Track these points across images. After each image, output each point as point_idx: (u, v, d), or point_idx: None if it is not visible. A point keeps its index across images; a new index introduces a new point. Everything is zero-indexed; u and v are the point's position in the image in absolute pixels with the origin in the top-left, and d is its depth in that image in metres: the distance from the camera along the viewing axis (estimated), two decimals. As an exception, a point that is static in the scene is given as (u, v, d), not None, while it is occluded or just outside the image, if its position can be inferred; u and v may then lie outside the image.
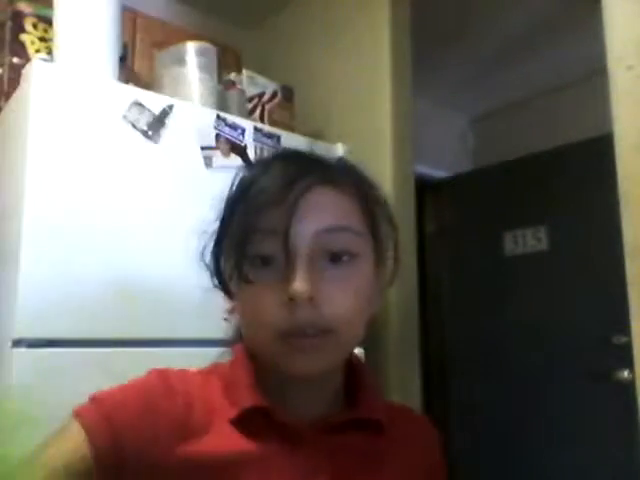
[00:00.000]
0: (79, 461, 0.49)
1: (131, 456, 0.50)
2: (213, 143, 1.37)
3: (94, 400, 0.55)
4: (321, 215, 0.53)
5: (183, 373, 0.59)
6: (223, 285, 0.58)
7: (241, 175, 0.58)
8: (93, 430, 0.50)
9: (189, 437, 0.53)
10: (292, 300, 0.50)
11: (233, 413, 0.54)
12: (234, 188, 0.58)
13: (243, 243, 0.53)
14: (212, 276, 0.59)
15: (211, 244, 0.59)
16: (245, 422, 0.54)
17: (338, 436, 0.56)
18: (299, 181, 0.52)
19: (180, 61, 1.48)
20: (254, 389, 0.55)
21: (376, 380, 0.64)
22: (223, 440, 0.53)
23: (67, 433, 0.51)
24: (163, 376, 0.57)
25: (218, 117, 1.39)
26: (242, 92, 1.62)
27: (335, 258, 0.53)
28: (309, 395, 0.57)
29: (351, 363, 0.61)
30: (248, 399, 0.55)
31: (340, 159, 0.61)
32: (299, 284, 0.50)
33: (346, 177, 0.56)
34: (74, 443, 0.50)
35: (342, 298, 0.52)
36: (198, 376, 0.59)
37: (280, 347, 0.52)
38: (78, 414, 0.52)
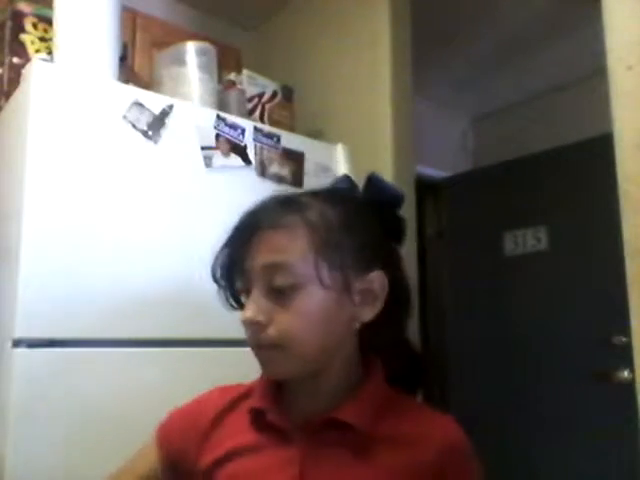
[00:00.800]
0: (151, 462, 0.73)
1: (176, 458, 0.71)
2: (213, 143, 1.36)
3: (169, 414, 0.76)
4: (263, 254, 0.64)
5: (231, 389, 0.75)
6: (237, 306, 0.71)
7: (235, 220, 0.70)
8: (158, 439, 0.74)
9: (212, 442, 0.69)
10: (244, 323, 0.64)
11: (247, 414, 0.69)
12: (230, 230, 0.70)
13: (231, 279, 0.69)
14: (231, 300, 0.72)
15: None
16: (255, 420, 0.68)
17: (323, 433, 0.64)
18: (254, 227, 0.65)
19: (180, 61, 1.48)
20: (261, 393, 0.69)
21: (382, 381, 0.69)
22: (236, 433, 0.68)
23: (150, 440, 0.75)
24: (212, 396, 0.76)
25: (218, 117, 1.39)
26: (242, 92, 1.62)
27: (277, 289, 0.63)
28: (302, 396, 0.68)
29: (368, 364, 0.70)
30: (254, 402, 0.69)
31: (317, 200, 0.68)
32: (245, 312, 0.64)
33: (300, 217, 0.64)
34: (149, 447, 0.74)
35: (287, 321, 0.62)
36: (245, 386, 0.74)
37: (256, 357, 0.66)
38: (158, 427, 0.75)
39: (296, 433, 0.65)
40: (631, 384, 0.95)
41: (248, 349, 0.66)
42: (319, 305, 0.63)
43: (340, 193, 0.72)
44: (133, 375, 1.16)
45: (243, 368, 1.20)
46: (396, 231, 0.73)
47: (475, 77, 2.77)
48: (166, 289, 1.24)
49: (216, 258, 0.69)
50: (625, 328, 0.93)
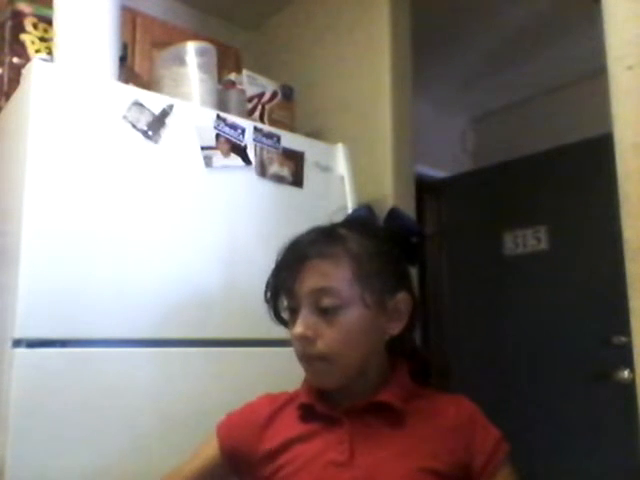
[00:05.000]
0: (214, 456, 0.85)
1: (236, 448, 0.84)
2: (213, 143, 1.36)
3: (226, 416, 0.88)
4: (312, 279, 0.76)
5: (278, 395, 0.87)
6: (282, 322, 0.82)
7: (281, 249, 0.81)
8: (219, 436, 0.86)
9: (268, 434, 0.81)
10: (295, 337, 0.76)
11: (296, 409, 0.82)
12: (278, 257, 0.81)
13: (277, 300, 0.81)
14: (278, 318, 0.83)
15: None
16: (303, 414, 0.81)
17: (364, 415, 0.77)
18: (301, 257, 0.77)
19: (180, 61, 1.47)
20: (308, 391, 0.82)
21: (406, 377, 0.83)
22: (289, 427, 0.81)
23: (211, 437, 0.86)
24: (262, 400, 0.87)
25: (218, 117, 1.39)
26: (242, 92, 1.62)
27: (324, 309, 0.75)
28: (344, 394, 0.80)
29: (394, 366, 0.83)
30: (303, 398, 0.81)
31: (354, 232, 0.80)
32: (296, 328, 0.76)
33: (343, 248, 0.77)
34: (211, 444, 0.86)
35: (331, 336, 0.75)
36: (290, 393, 0.86)
37: (305, 368, 0.79)
38: (217, 426, 0.87)
39: (341, 419, 0.77)
40: (631, 384, 0.95)
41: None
42: (360, 322, 0.76)
43: (369, 225, 0.85)
44: (133, 375, 1.16)
45: (240, 368, 1.21)
46: (413, 256, 0.86)
47: (475, 77, 2.78)
48: (166, 289, 1.24)
49: (267, 283, 0.81)
50: (625, 328, 0.93)
